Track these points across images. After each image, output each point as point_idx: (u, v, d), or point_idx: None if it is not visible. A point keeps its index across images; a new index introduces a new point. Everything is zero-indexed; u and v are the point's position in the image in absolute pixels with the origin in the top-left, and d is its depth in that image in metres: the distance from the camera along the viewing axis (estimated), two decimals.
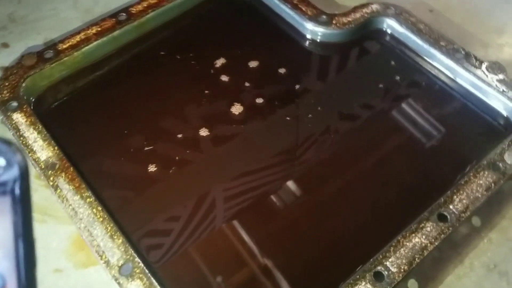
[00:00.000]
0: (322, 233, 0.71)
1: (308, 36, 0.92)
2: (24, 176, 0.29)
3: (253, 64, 0.89)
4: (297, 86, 0.86)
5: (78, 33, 0.86)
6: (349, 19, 0.90)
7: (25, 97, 0.79)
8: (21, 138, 0.73)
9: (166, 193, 0.74)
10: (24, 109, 0.76)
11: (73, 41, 0.85)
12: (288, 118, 0.81)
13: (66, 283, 0.66)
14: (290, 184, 0.75)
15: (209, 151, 0.78)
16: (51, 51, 0.84)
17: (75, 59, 0.85)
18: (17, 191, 0.29)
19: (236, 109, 0.82)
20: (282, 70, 0.88)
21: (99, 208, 0.66)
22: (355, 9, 0.92)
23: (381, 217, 0.72)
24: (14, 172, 0.28)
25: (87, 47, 0.86)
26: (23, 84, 0.80)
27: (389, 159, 0.78)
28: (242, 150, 0.79)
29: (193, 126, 0.81)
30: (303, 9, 0.92)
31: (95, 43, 0.86)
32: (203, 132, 0.80)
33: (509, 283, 0.65)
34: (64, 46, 0.85)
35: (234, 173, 0.76)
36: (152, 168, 0.75)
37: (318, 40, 0.92)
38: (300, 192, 0.75)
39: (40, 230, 0.71)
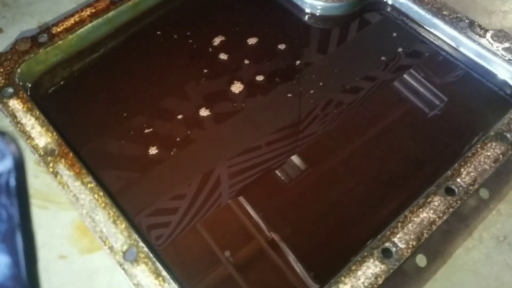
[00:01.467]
0: (328, 206, 0.70)
1: (307, 10, 0.90)
2: (19, 167, 0.28)
3: (252, 41, 0.87)
4: (297, 62, 0.84)
5: (72, 15, 0.84)
6: None
7: (20, 83, 0.77)
8: (18, 125, 0.71)
9: (169, 173, 0.74)
10: (20, 95, 0.75)
11: (67, 24, 0.83)
12: (289, 95, 0.80)
13: (71, 269, 0.66)
14: (295, 158, 0.75)
15: (211, 129, 0.77)
16: (45, 35, 0.82)
17: (70, 42, 0.83)
18: (12, 182, 0.27)
19: (236, 87, 0.81)
20: (281, 46, 0.86)
21: (101, 194, 0.65)
22: None
23: (387, 188, 0.71)
24: (8, 163, 0.27)
25: (81, 30, 0.84)
26: (18, 70, 0.78)
27: (394, 130, 0.77)
28: (244, 127, 0.78)
29: (193, 106, 0.79)
30: None
31: (89, 25, 0.84)
32: (204, 112, 0.78)
33: None
34: (59, 30, 0.83)
35: (237, 149, 0.75)
36: (153, 150, 0.74)
37: (318, 14, 0.90)
38: (304, 166, 0.74)
39: (42, 217, 0.70)
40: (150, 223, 0.69)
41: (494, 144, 0.67)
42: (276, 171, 0.73)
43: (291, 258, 0.65)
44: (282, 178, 0.73)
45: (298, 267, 0.64)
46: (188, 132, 0.76)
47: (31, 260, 0.28)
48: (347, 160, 0.75)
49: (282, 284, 0.64)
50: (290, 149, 0.76)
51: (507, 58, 0.77)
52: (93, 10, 0.85)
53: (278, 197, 0.72)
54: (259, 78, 0.82)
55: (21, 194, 0.28)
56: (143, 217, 0.69)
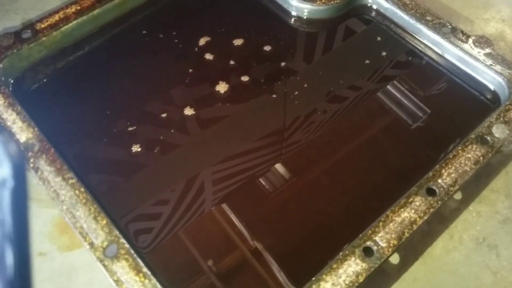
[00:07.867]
0: (311, 214, 0.70)
1: (294, 13, 0.91)
2: (18, 174, 0.25)
3: (237, 42, 0.87)
4: (282, 64, 0.84)
5: (57, 12, 0.84)
6: None
7: (3, 78, 0.77)
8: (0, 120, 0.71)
9: (153, 176, 0.73)
10: (2, 90, 0.74)
11: (52, 20, 0.83)
12: (274, 96, 0.80)
13: (50, 266, 0.65)
14: (278, 166, 0.75)
15: (196, 133, 0.77)
16: (29, 31, 0.81)
17: (54, 39, 0.83)
18: (6, 196, 0.24)
19: (222, 87, 0.81)
20: (267, 48, 0.86)
21: (82, 190, 0.64)
22: None
23: (369, 197, 0.71)
24: (3, 170, 0.24)
25: (66, 27, 0.83)
26: (0, 65, 0.77)
27: (377, 141, 0.78)
28: (229, 131, 0.78)
29: (177, 105, 0.79)
30: None
31: (74, 22, 0.84)
32: (188, 111, 0.78)
33: (499, 256, 0.65)
34: (43, 26, 0.82)
35: (222, 155, 0.75)
36: (136, 148, 0.74)
37: (304, 17, 0.90)
38: (288, 174, 0.74)
39: None
40: (131, 229, 0.68)
41: (474, 146, 0.68)
42: (260, 179, 0.73)
43: (275, 267, 0.65)
44: (266, 186, 0.73)
45: (281, 276, 0.64)
46: (172, 131, 0.76)
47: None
48: (330, 170, 0.75)
49: None
50: (274, 157, 0.75)
51: (488, 64, 0.78)
52: (79, 8, 0.85)
53: (261, 205, 0.72)
54: (245, 78, 0.82)
55: (17, 209, 0.24)
56: (125, 222, 0.68)
